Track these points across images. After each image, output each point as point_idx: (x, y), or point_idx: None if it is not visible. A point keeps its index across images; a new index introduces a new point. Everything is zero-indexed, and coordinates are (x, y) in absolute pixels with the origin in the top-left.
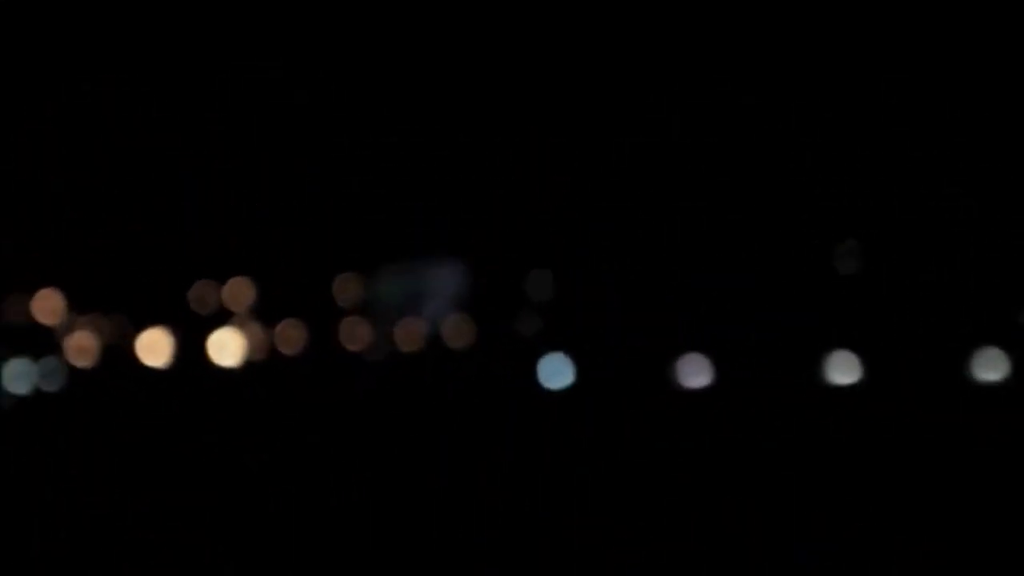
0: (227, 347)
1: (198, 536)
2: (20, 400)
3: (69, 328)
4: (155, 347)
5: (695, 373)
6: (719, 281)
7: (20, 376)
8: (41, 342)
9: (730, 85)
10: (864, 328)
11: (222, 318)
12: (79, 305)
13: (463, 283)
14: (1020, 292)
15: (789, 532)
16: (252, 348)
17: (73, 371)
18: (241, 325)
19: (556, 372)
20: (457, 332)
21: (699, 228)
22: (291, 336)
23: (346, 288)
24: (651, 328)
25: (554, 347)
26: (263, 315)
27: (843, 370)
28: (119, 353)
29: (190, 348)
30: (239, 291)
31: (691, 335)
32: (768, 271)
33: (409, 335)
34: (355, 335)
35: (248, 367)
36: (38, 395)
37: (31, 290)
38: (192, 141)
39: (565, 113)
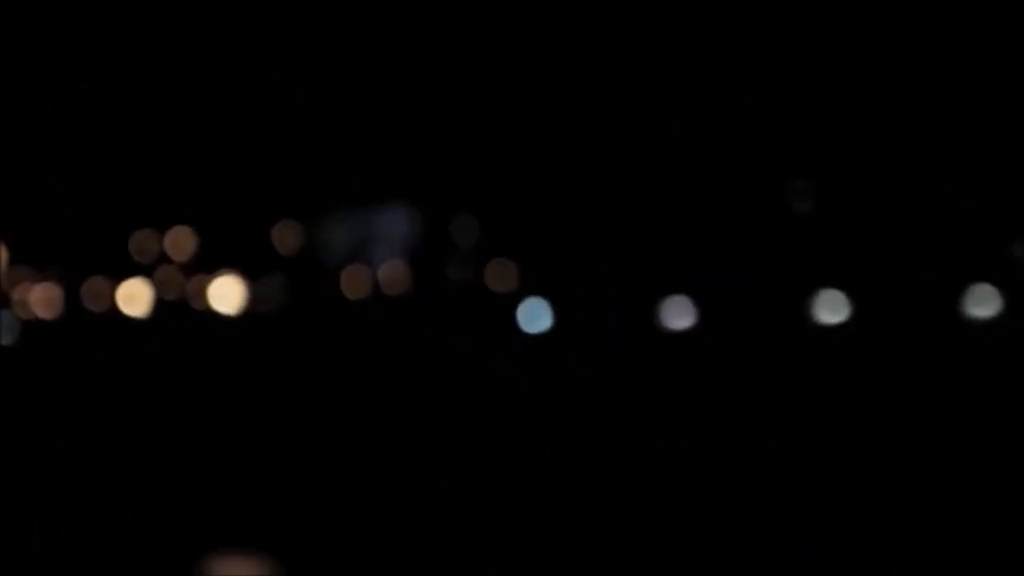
0: (226, 295)
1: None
2: None
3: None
4: (136, 297)
5: (679, 315)
6: (703, 220)
7: None
8: None
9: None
10: (852, 266)
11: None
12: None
13: (409, 228)
14: (1011, 228)
15: (777, 476)
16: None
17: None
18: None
19: (535, 316)
20: (409, 279)
21: (684, 169)
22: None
23: (286, 237)
24: (633, 270)
25: (532, 292)
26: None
27: (831, 309)
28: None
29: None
30: (181, 240)
31: (675, 277)
32: (752, 209)
33: (356, 281)
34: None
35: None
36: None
37: None
38: (131, 94)
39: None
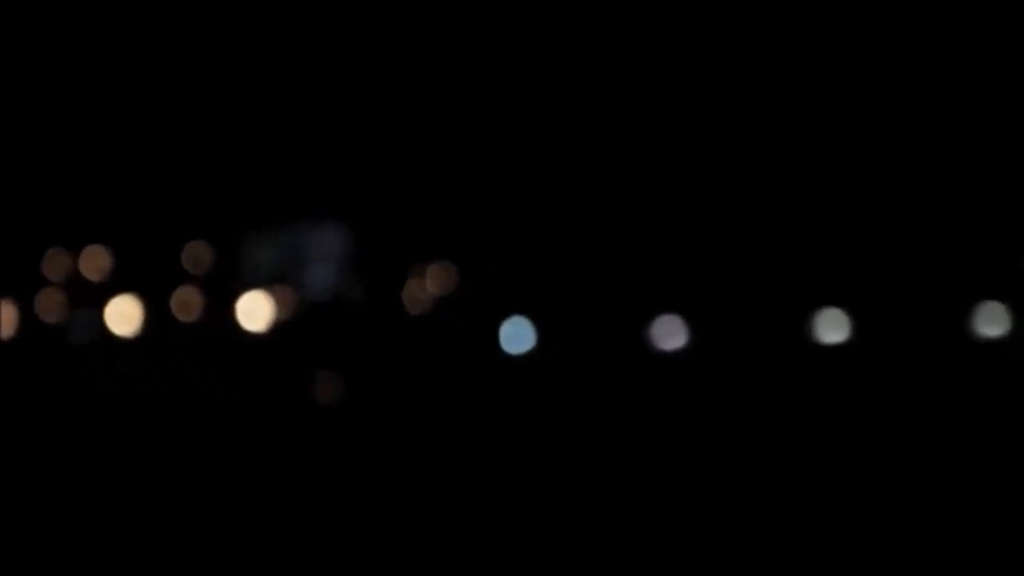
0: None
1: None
2: None
3: None
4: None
5: (669, 335)
6: (695, 235)
7: None
8: None
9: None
10: (853, 283)
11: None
12: None
13: (346, 246)
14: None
15: (773, 502)
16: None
17: None
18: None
19: (518, 336)
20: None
21: (675, 178)
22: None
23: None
24: (620, 288)
25: (516, 310)
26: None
27: (831, 328)
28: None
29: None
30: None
31: (665, 295)
32: (747, 223)
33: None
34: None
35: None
36: None
37: None
38: (41, 106)
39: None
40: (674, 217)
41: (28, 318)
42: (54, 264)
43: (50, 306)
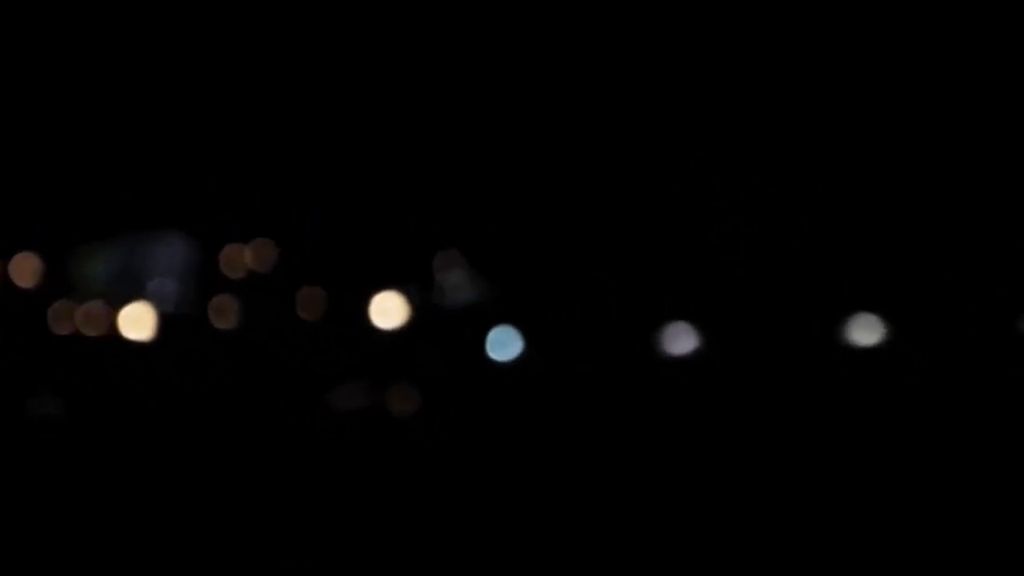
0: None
1: None
2: None
3: None
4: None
5: (677, 339)
6: (702, 240)
7: None
8: None
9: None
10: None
11: None
12: None
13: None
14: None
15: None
16: None
17: None
18: None
19: (503, 342)
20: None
21: (677, 170)
22: None
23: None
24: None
25: (504, 318)
26: None
27: (868, 330)
28: None
29: None
30: None
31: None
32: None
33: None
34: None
35: None
36: None
37: None
38: None
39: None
40: (673, 215)
41: None
42: None
43: None
